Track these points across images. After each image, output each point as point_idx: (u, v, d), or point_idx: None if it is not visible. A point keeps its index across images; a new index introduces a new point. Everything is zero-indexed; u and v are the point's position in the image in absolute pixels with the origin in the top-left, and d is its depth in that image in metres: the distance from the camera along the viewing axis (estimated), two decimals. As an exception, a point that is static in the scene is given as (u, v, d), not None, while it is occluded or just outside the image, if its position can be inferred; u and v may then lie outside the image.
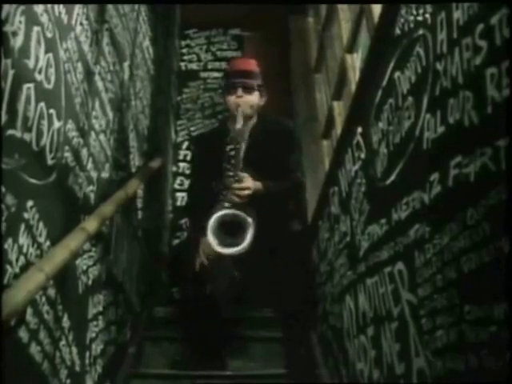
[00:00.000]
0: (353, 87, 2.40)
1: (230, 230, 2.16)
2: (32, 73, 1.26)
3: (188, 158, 4.11)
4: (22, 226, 1.21)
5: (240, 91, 2.49)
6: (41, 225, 1.31)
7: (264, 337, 2.58)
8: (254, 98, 2.53)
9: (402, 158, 1.25)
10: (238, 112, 2.42)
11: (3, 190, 1.10)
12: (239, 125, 2.39)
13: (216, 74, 4.44)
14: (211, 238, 2.13)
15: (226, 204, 2.24)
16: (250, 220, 2.15)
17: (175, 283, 2.88)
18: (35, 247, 1.28)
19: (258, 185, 2.34)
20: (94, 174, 1.83)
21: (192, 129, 4.27)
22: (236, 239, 2.13)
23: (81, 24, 1.66)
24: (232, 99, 2.50)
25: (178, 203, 4.01)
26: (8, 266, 1.14)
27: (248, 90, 2.51)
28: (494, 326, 0.79)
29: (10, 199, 1.13)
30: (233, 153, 2.35)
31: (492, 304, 0.79)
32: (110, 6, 2.09)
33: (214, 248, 2.13)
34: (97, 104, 1.87)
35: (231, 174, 2.31)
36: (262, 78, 2.59)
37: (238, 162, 2.34)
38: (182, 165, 4.13)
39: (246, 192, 2.29)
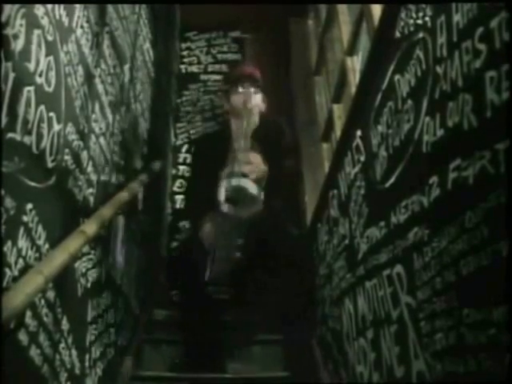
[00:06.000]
0: (353, 90, 2.40)
1: (239, 198, 2.17)
2: (32, 76, 1.26)
3: (187, 160, 4.12)
4: (21, 229, 1.21)
5: (248, 90, 2.64)
6: (40, 228, 1.31)
7: (264, 339, 2.57)
8: (259, 99, 2.68)
9: (401, 161, 1.25)
10: (243, 106, 2.55)
11: (3, 192, 1.10)
12: (250, 104, 2.53)
13: (216, 77, 4.44)
14: (221, 197, 2.14)
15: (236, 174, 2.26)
16: (258, 191, 2.17)
17: (176, 277, 2.90)
18: (34, 250, 1.28)
19: (265, 168, 2.38)
20: (93, 177, 1.83)
21: (192, 132, 4.27)
22: (245, 205, 2.15)
23: (81, 27, 1.66)
24: (239, 97, 2.63)
25: (178, 206, 4.01)
26: (7, 269, 1.14)
27: (253, 92, 2.65)
28: (493, 329, 0.79)
29: (9, 202, 1.13)
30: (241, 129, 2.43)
31: (491, 307, 0.79)
32: (110, 9, 2.10)
33: (221, 208, 2.14)
34: (97, 107, 1.87)
35: (238, 146, 2.38)
36: (262, 83, 2.73)
37: (247, 134, 2.41)
38: (181, 167, 4.13)
39: (253, 168, 2.30)
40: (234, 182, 2.18)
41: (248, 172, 2.25)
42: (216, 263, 2.25)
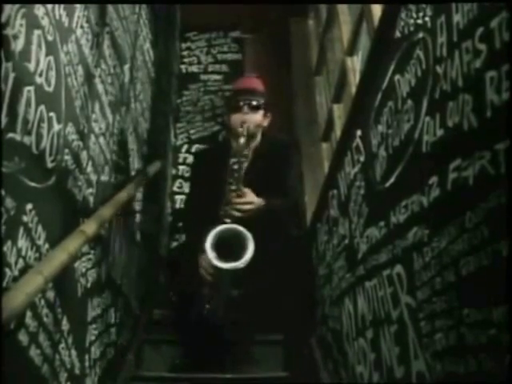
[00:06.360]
0: (353, 90, 2.40)
1: (229, 245, 2.10)
2: (32, 76, 1.26)
3: (187, 160, 4.12)
4: (21, 229, 1.21)
5: (246, 109, 2.52)
6: (40, 228, 1.31)
7: (264, 340, 2.57)
8: (259, 117, 2.56)
9: (401, 161, 1.25)
10: (242, 128, 2.43)
11: (3, 193, 1.10)
12: (243, 139, 2.40)
13: (216, 77, 4.45)
14: (209, 252, 2.07)
15: (227, 219, 2.23)
16: (249, 235, 2.10)
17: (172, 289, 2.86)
18: (34, 250, 1.28)
19: (261, 201, 2.34)
20: (93, 177, 1.83)
21: (192, 131, 4.28)
22: (235, 254, 2.07)
23: (81, 27, 1.66)
24: (237, 117, 2.52)
25: (177, 206, 4.01)
26: (7, 269, 1.14)
27: (253, 108, 2.54)
28: (493, 329, 0.79)
29: (9, 202, 1.13)
30: (236, 166, 2.35)
31: (491, 307, 0.79)
32: (110, 9, 2.10)
33: (211, 261, 2.07)
34: (97, 107, 1.87)
35: (233, 187, 2.31)
36: (266, 97, 2.61)
37: (241, 176, 2.34)
38: (181, 167, 4.13)
39: (249, 207, 2.29)
40: (223, 226, 2.16)
41: (242, 213, 2.25)
42: (213, 300, 2.23)
